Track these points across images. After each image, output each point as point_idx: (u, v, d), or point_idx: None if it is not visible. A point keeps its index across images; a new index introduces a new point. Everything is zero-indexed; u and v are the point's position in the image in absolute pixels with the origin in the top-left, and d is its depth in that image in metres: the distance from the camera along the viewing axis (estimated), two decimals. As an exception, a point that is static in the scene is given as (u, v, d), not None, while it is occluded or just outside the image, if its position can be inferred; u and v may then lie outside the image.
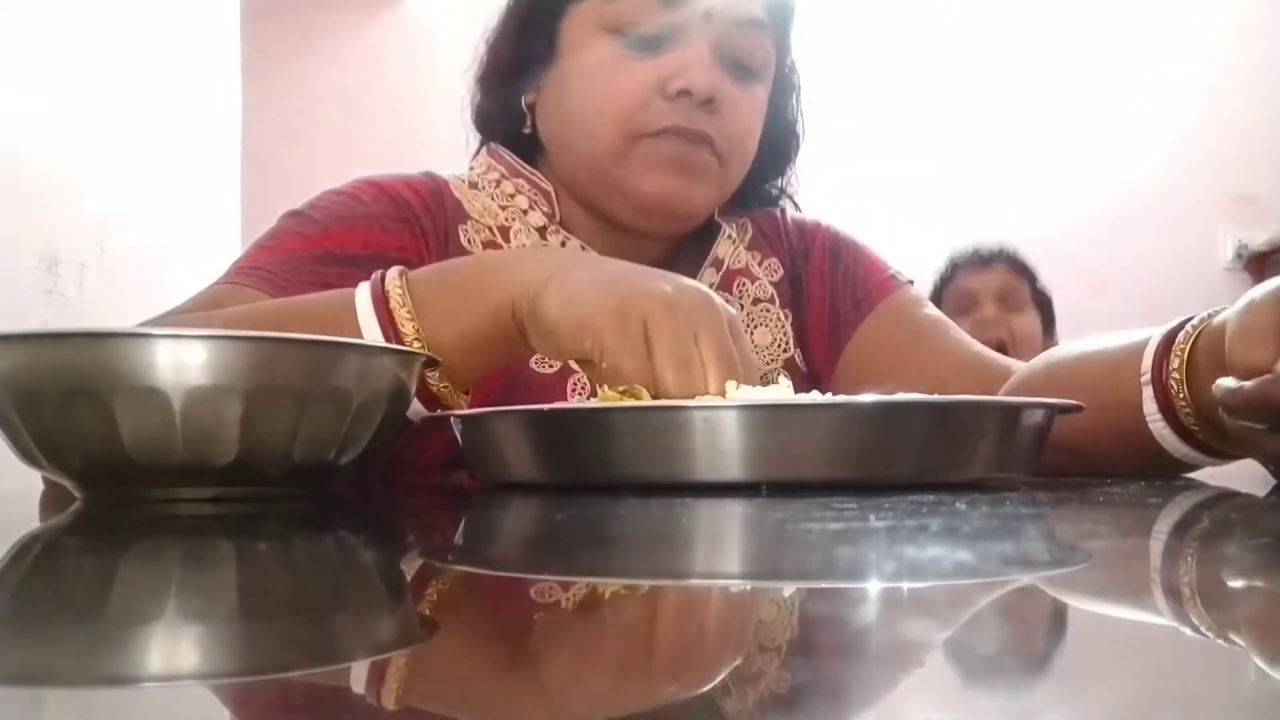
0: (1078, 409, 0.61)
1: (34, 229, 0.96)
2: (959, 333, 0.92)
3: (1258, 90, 2.87)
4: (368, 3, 2.83)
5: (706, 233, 0.93)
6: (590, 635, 0.24)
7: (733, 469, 0.53)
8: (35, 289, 0.95)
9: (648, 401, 0.57)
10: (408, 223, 0.84)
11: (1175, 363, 0.64)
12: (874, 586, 0.27)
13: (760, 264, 0.94)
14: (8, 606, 0.28)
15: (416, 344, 0.62)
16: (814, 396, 0.57)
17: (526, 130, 0.90)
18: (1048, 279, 2.84)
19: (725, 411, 0.53)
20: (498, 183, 0.91)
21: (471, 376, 0.67)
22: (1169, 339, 0.65)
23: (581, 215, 0.89)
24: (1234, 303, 0.62)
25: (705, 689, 0.19)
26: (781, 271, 0.95)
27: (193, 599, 0.28)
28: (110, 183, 1.12)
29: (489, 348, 0.66)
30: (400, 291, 0.63)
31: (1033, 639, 0.23)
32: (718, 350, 0.58)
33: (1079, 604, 0.27)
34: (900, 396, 0.57)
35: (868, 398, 0.57)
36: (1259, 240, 2.80)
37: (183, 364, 0.47)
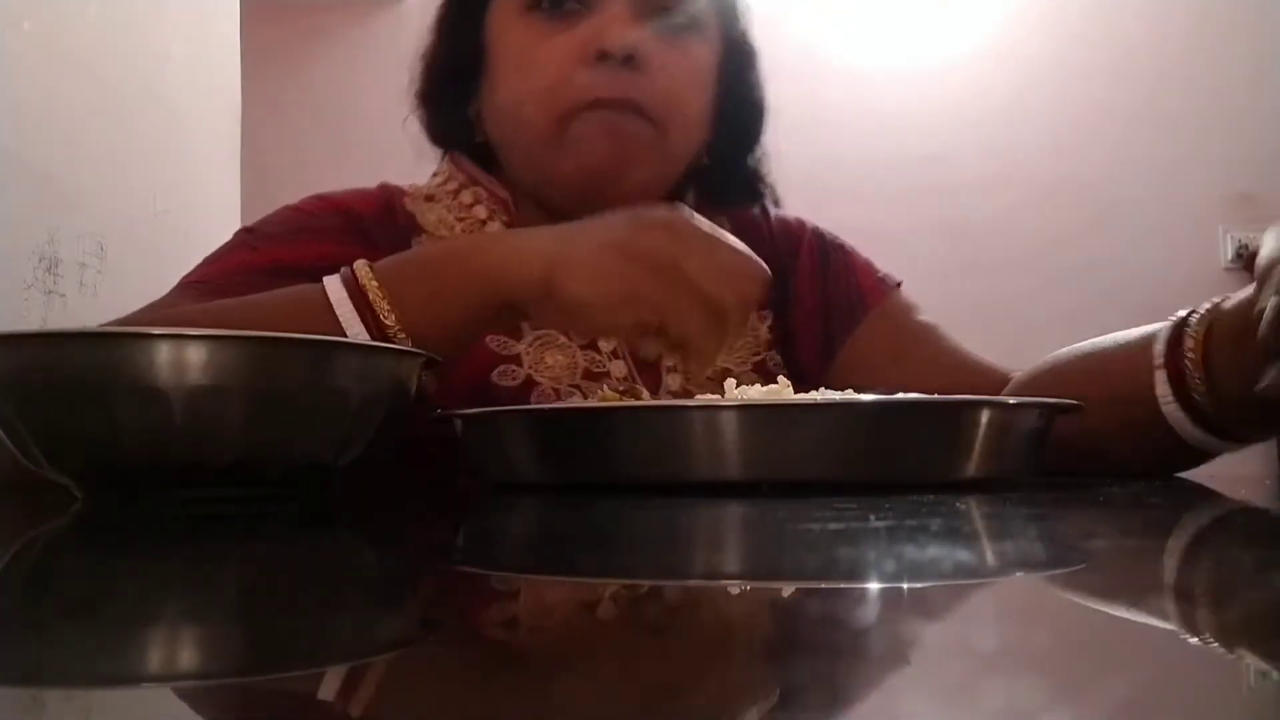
0: (1078, 409, 0.61)
1: (34, 229, 0.96)
2: (953, 339, 0.91)
3: (1257, 90, 2.87)
4: (368, 3, 2.83)
5: None
6: (590, 636, 0.24)
7: (733, 469, 0.53)
8: (35, 289, 0.95)
9: (648, 401, 0.57)
10: (361, 234, 0.83)
11: (1189, 344, 0.64)
12: (874, 586, 0.27)
13: None
14: (8, 606, 0.28)
15: (400, 335, 0.61)
16: (814, 396, 0.57)
17: (478, 140, 0.89)
18: (1048, 278, 2.85)
19: (725, 411, 0.53)
20: (456, 193, 0.90)
21: (448, 359, 0.66)
22: (1180, 325, 0.66)
23: (542, 221, 0.88)
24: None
25: (705, 690, 0.19)
26: None
27: (193, 599, 0.28)
28: (110, 183, 1.12)
29: (469, 331, 0.66)
30: (377, 284, 0.62)
31: (1033, 639, 0.23)
32: (737, 258, 0.62)
33: (1079, 604, 0.27)
34: (900, 396, 0.57)
35: (868, 397, 0.57)
36: (1259, 240, 2.79)
37: (183, 364, 0.47)
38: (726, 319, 0.60)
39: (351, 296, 0.62)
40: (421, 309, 0.63)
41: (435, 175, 0.93)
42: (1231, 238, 2.84)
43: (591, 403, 0.64)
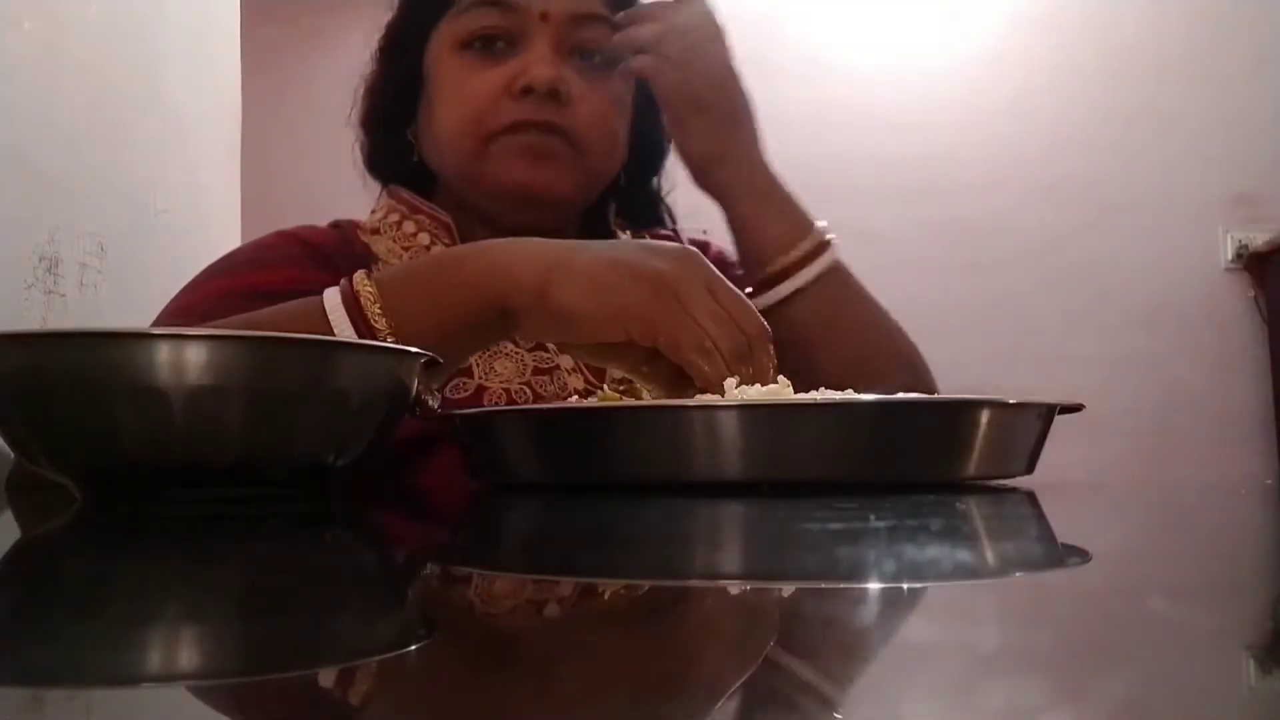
0: (1078, 408, 0.61)
1: (34, 229, 0.96)
2: None
3: (1257, 90, 2.87)
4: (368, 3, 2.82)
5: None
6: (590, 636, 0.24)
7: (732, 469, 0.53)
8: (35, 289, 0.95)
9: (648, 401, 0.57)
10: (324, 260, 0.86)
11: None
12: (874, 586, 0.27)
13: None
14: (8, 606, 0.28)
15: (391, 340, 0.62)
16: (814, 396, 0.58)
17: (415, 160, 0.93)
18: (1048, 278, 2.85)
19: (725, 411, 0.53)
20: (399, 224, 0.93)
21: (447, 369, 0.68)
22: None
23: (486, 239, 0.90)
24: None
25: (705, 690, 0.19)
26: None
27: (193, 599, 0.28)
28: (110, 183, 1.12)
29: (467, 340, 0.67)
30: (371, 291, 0.64)
31: (1033, 639, 0.23)
32: (741, 305, 0.62)
33: (1079, 604, 0.27)
34: (900, 396, 0.57)
35: (868, 397, 0.57)
36: (1259, 240, 2.79)
37: (183, 364, 0.47)
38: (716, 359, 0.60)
39: (345, 302, 0.63)
40: (418, 315, 0.64)
41: (374, 211, 0.96)
42: (1231, 238, 2.84)
43: (591, 403, 0.64)
